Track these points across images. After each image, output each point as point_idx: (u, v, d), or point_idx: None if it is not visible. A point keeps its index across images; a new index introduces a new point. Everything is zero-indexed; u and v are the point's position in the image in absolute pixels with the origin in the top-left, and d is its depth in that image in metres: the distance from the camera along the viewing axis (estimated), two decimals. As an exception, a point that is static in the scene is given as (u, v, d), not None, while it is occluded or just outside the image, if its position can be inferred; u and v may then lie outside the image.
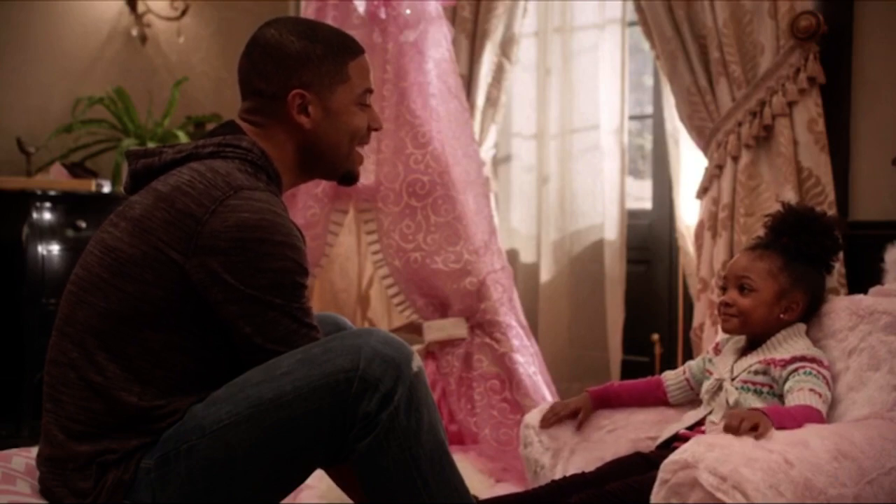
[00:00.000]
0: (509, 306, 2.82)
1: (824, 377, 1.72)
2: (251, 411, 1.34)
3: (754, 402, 1.73)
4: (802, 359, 1.74)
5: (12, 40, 3.69)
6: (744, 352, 1.85)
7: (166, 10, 4.08)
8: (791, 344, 1.79)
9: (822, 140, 2.50)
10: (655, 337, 3.28)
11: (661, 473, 1.43)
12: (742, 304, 1.81)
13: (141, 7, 4.02)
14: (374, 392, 1.33)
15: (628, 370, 3.26)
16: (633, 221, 3.45)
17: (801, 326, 1.83)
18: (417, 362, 1.39)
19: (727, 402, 1.76)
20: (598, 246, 3.43)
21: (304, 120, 1.52)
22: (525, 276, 3.58)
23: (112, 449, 1.37)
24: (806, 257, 1.83)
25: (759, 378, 1.76)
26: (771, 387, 1.75)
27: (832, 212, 2.48)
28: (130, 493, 1.36)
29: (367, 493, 1.40)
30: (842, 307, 1.85)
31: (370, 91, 1.60)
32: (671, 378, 2.01)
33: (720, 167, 2.66)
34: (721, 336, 1.95)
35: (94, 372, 1.38)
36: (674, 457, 1.42)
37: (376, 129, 1.63)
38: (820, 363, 1.74)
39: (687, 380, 1.98)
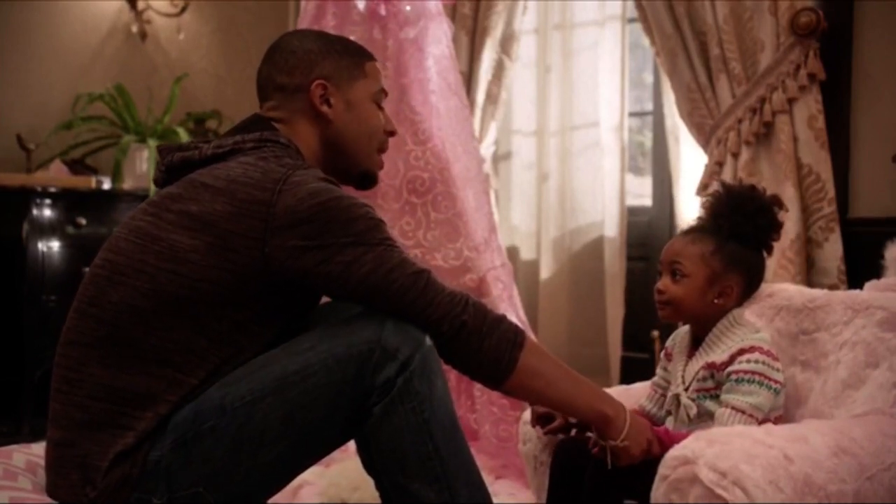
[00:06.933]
0: (509, 303, 2.82)
1: (760, 374, 1.63)
2: (276, 384, 1.36)
3: (714, 407, 1.66)
4: (740, 353, 1.65)
5: (12, 38, 3.69)
6: (690, 353, 1.77)
7: (166, 6, 4.08)
8: (728, 338, 1.70)
9: (822, 137, 2.50)
10: (655, 334, 3.27)
11: (661, 469, 1.43)
12: (673, 292, 1.74)
13: (141, 4, 4.02)
14: (394, 360, 1.37)
15: (628, 367, 3.26)
16: (633, 218, 3.45)
17: (740, 311, 1.75)
18: (430, 341, 1.42)
19: (688, 416, 1.69)
20: (598, 243, 3.43)
21: (326, 110, 1.56)
22: (525, 273, 3.59)
23: (121, 435, 1.36)
24: (740, 238, 1.73)
25: (709, 383, 1.69)
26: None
27: (832, 209, 2.48)
28: (139, 486, 1.36)
29: (378, 456, 1.40)
30: (837, 301, 1.83)
31: (384, 93, 1.67)
32: (648, 405, 1.88)
33: (720, 164, 2.66)
34: (669, 340, 1.87)
35: (127, 345, 1.38)
36: (673, 453, 1.42)
37: (391, 133, 1.67)
38: (759, 350, 1.65)
39: (662, 396, 1.86)
